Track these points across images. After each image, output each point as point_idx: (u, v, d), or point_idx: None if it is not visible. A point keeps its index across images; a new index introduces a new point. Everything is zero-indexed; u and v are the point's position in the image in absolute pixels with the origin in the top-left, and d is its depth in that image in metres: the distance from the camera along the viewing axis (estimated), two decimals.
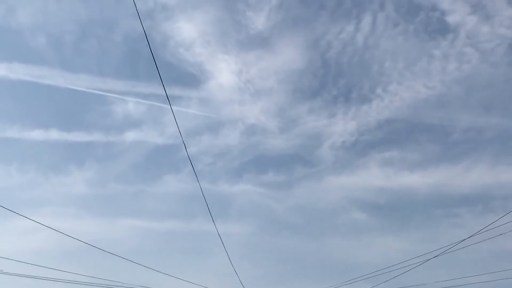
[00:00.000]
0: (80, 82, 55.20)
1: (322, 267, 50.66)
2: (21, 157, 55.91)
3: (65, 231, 26.92)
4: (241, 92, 58.20)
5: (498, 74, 54.94)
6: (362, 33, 55.55)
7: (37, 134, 55.25)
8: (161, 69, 19.33)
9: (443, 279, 35.27)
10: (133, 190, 56.32)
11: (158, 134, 57.90)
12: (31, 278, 30.13)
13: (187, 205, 55.36)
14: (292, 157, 59.01)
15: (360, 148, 58.13)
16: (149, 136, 57.80)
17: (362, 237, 54.30)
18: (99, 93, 55.59)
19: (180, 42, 56.04)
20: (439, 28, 55.16)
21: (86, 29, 57.44)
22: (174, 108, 21.86)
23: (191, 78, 57.64)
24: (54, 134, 55.41)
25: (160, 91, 19.53)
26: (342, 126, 57.52)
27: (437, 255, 31.18)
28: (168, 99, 20.84)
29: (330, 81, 58.70)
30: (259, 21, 56.04)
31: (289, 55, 58.68)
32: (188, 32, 56.45)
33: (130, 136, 57.16)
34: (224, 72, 57.72)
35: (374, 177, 56.14)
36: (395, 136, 58.54)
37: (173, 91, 50.61)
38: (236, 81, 57.64)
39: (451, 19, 53.98)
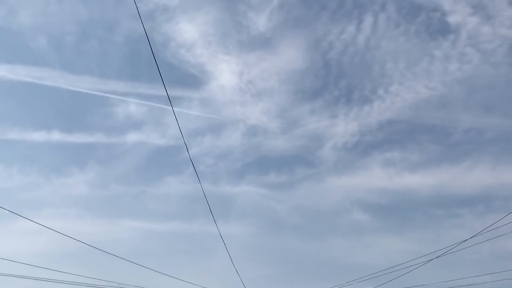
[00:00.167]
0: (81, 84, 55.38)
1: (323, 267, 50.71)
2: (22, 159, 56.09)
3: (66, 232, 26.95)
4: (242, 93, 58.30)
5: (499, 75, 55.02)
6: (363, 34, 55.66)
7: (39, 136, 55.41)
8: (162, 70, 19.35)
9: (445, 279, 35.27)
10: (135, 191, 56.45)
11: (160, 135, 58.03)
12: (32, 280, 30.17)
13: (188, 206, 55.47)
14: (294, 158, 59.14)
15: (361, 149, 58.22)
16: (151, 137, 57.92)
17: (364, 237, 54.37)
18: (100, 95, 55.73)
19: (181, 43, 56.18)
20: (440, 28, 55.25)
21: (87, 30, 57.62)
22: (175, 109, 21.90)
23: (192, 79, 57.79)
24: (56, 136, 55.56)
25: (161, 92, 19.58)
26: (343, 126, 57.63)
27: (438, 256, 31.18)
28: (169, 100, 20.88)
29: (332, 82, 58.81)
30: (260, 22, 56.15)
31: (290, 56, 58.80)
32: (189, 33, 56.58)
33: (132, 137, 57.29)
34: (225, 73, 57.83)
35: (375, 177, 56.22)
36: (397, 137, 58.63)
37: (174, 92, 50.72)
38: (238, 82, 57.73)
39: (452, 19, 54.06)
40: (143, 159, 58.41)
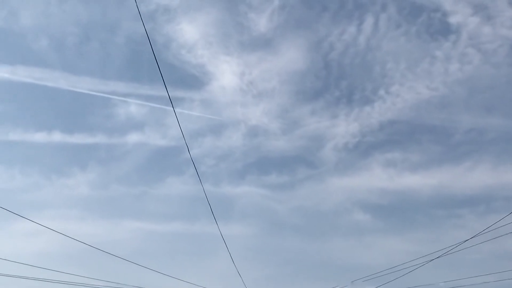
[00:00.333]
0: (83, 84, 55.45)
1: (325, 268, 50.73)
2: (24, 160, 56.16)
3: (68, 233, 26.99)
4: (243, 94, 58.33)
5: (500, 75, 55.01)
6: (364, 35, 55.68)
7: (40, 137, 55.48)
8: (163, 71, 19.40)
9: (446, 279, 35.28)
10: (136, 192, 56.48)
11: (161, 136, 58.08)
12: (34, 280, 30.20)
13: (190, 207, 55.52)
14: (295, 159, 59.16)
15: (362, 150, 58.24)
16: (152, 138, 57.97)
17: (365, 238, 54.37)
18: (101, 95, 55.79)
19: (182, 43, 56.23)
20: (441, 29, 55.29)
21: (88, 32, 57.72)
22: (176, 110, 21.94)
23: (193, 80, 57.83)
24: (57, 136, 55.62)
25: (162, 93, 19.60)
26: (344, 127, 57.65)
27: (439, 256, 31.19)
28: (171, 101, 20.91)
29: (333, 82, 58.85)
30: (261, 22, 56.19)
31: (291, 56, 58.84)
32: (190, 33, 56.64)
33: (133, 138, 57.33)
34: (226, 73, 57.88)
35: (376, 178, 56.23)
36: (398, 138, 58.64)
37: (175, 93, 50.76)
38: (238, 83, 57.77)
39: (453, 20, 54.08)
40: (144, 160, 58.53)
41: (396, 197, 55.27)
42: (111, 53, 58.50)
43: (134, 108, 58.02)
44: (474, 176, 53.62)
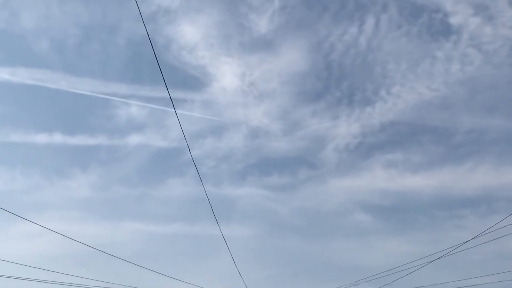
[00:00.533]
0: (84, 86, 55.50)
1: (326, 269, 50.73)
2: (25, 161, 56.24)
3: (69, 234, 27.00)
4: (244, 95, 58.37)
5: (501, 76, 55.01)
6: (365, 35, 55.72)
7: (41, 138, 55.54)
8: (164, 72, 19.38)
9: (447, 280, 35.25)
10: (137, 194, 56.55)
11: (162, 138, 58.11)
12: (35, 282, 30.21)
13: (191, 208, 55.55)
14: (296, 160, 59.21)
15: (363, 150, 58.26)
16: (153, 140, 58.02)
17: (366, 238, 54.39)
18: (103, 97, 55.85)
19: (183, 45, 56.28)
20: (442, 29, 55.32)
21: (89, 33, 57.77)
22: (177, 111, 21.95)
23: (194, 81, 57.91)
24: (58, 138, 55.68)
25: (163, 94, 19.59)
26: (345, 128, 57.67)
27: (441, 257, 31.17)
28: (172, 102, 20.91)
29: (334, 83, 58.89)
30: (262, 23, 56.22)
31: (292, 57, 58.87)
32: (191, 35, 56.69)
33: (134, 139, 57.42)
34: (227, 74, 57.94)
35: (377, 179, 56.23)
36: (399, 138, 58.68)
37: (176, 94, 50.81)
38: (239, 84, 57.82)
39: (454, 20, 54.10)
40: (145, 161, 58.59)
41: (397, 198, 55.33)
42: (111, 55, 58.65)
43: (135, 110, 58.14)
44: (475, 177, 53.67)
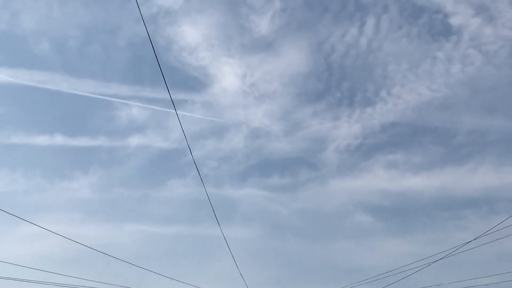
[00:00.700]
0: (84, 87, 55.50)
1: (327, 270, 50.65)
2: (26, 163, 56.16)
3: (70, 236, 27.01)
4: (245, 96, 58.36)
5: (502, 76, 54.94)
6: (365, 36, 55.70)
7: (42, 140, 55.50)
8: (165, 74, 19.37)
9: (449, 281, 35.23)
10: (138, 195, 56.46)
11: (163, 139, 58.07)
12: (36, 284, 30.21)
13: (192, 209, 55.46)
14: (297, 161, 59.13)
15: (364, 151, 58.18)
16: (154, 141, 57.96)
17: (367, 239, 54.31)
18: (103, 98, 55.83)
19: (184, 46, 56.26)
20: (443, 30, 55.28)
21: (90, 34, 57.76)
22: (178, 112, 21.95)
23: (195, 82, 57.89)
24: (59, 140, 55.64)
25: (164, 95, 19.57)
26: (346, 129, 57.62)
27: (442, 258, 31.15)
28: (173, 103, 20.92)
29: (334, 84, 58.86)
30: (262, 24, 56.22)
31: (293, 58, 58.87)
32: (192, 36, 56.68)
33: (135, 140, 57.35)
34: (228, 75, 57.91)
35: (378, 179, 56.17)
36: (400, 139, 58.60)
37: (177, 95, 50.77)
38: (240, 85, 57.81)
39: (454, 21, 54.07)
40: (146, 163, 58.52)
41: (399, 199, 55.28)
42: (112, 56, 58.65)
43: (136, 111, 58.11)
44: (477, 178, 53.59)
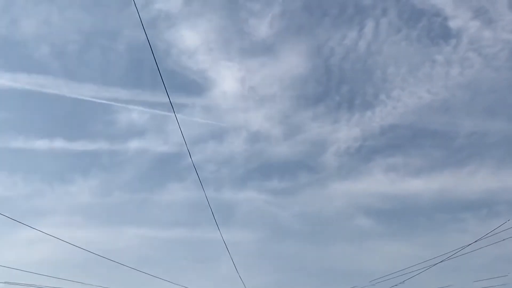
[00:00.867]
0: (84, 91, 55.57)
1: (327, 273, 50.63)
2: (26, 167, 56.27)
3: (70, 240, 27.01)
4: (244, 99, 58.45)
5: (501, 79, 55.05)
6: (365, 39, 55.80)
7: (42, 144, 55.57)
8: (165, 77, 19.39)
9: (449, 283, 35.23)
10: (138, 199, 56.51)
11: (162, 143, 58.14)
12: None
13: (192, 213, 55.44)
14: (297, 164, 59.17)
15: (364, 154, 58.24)
16: (153, 145, 58.03)
17: (367, 242, 54.28)
18: (103, 102, 55.89)
19: (184, 50, 56.38)
20: (442, 33, 55.42)
21: (90, 39, 57.92)
22: (178, 116, 21.98)
23: (195, 86, 58.02)
24: (59, 143, 55.70)
25: (164, 99, 19.56)
26: (346, 132, 57.67)
27: (442, 260, 31.15)
28: (172, 107, 20.94)
29: (334, 87, 58.96)
30: (262, 28, 56.37)
31: (292, 62, 58.96)
32: (191, 40, 56.80)
33: (134, 144, 57.39)
34: (228, 79, 58.02)
35: (378, 183, 56.18)
36: (399, 142, 58.67)
37: (176, 99, 50.73)
38: (240, 88, 57.93)
39: (453, 24, 54.22)
40: (146, 166, 58.55)
41: (398, 202, 55.29)
42: (112, 60, 58.73)
43: (135, 115, 58.17)
44: (476, 180, 53.62)
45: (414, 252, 49.76)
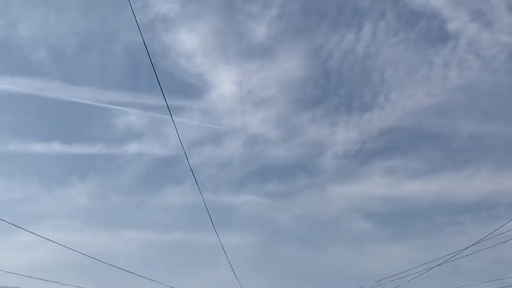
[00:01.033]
0: (82, 95, 55.47)
1: (325, 276, 50.50)
2: (23, 171, 56.06)
3: (68, 244, 26.94)
4: (242, 102, 58.37)
5: (499, 81, 55.04)
6: (363, 42, 55.80)
7: (39, 147, 55.43)
8: (162, 80, 19.33)
9: (448, 287, 35.16)
10: (136, 202, 56.38)
11: (160, 146, 58.00)
12: None
13: (190, 216, 55.28)
14: (295, 167, 59.04)
15: (362, 157, 58.13)
16: (151, 148, 57.91)
17: (366, 246, 54.21)
18: (101, 105, 55.79)
19: (181, 52, 56.27)
20: (440, 35, 55.40)
21: (87, 42, 57.76)
22: (176, 119, 21.90)
23: (193, 89, 57.90)
24: (56, 147, 55.57)
25: (162, 102, 19.46)
26: (344, 135, 57.60)
27: (441, 263, 31.08)
28: (169, 110, 20.87)
29: (332, 90, 58.92)
30: (260, 31, 56.30)
31: (290, 64, 58.89)
32: (189, 42, 56.73)
33: (132, 148, 57.26)
34: (225, 82, 57.93)
35: (377, 185, 56.10)
36: (398, 145, 58.62)
37: (174, 102, 50.68)
38: (238, 91, 57.83)
39: (451, 26, 54.16)
40: (143, 170, 58.39)
41: (397, 205, 55.20)
42: (109, 63, 58.65)
43: (133, 118, 58.03)
44: (475, 183, 53.56)
45: (413, 255, 49.72)
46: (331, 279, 49.73)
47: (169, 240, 53.43)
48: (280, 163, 58.81)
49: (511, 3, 52.58)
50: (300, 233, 55.95)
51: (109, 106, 56.13)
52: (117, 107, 56.37)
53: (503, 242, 27.61)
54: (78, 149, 56.00)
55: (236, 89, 57.71)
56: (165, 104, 20.33)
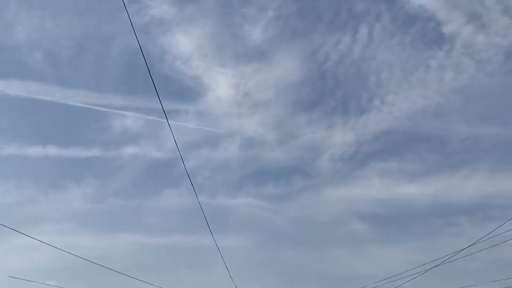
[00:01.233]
0: (78, 98, 55.36)
1: (322, 278, 50.53)
2: (19, 174, 55.88)
3: (64, 247, 26.86)
4: (239, 105, 58.40)
5: (495, 83, 55.25)
6: (359, 45, 55.96)
7: (35, 151, 55.28)
8: (158, 83, 19.32)
9: None
10: (132, 205, 56.28)
11: (156, 149, 57.96)
12: None
13: (186, 219, 55.25)
14: (291, 169, 59.05)
15: (359, 159, 58.22)
16: (147, 151, 57.83)
17: (362, 248, 54.26)
18: (97, 109, 55.72)
19: (177, 55, 56.30)
20: (435, 38, 55.61)
21: (83, 45, 57.71)
22: (172, 122, 21.90)
23: (189, 92, 57.92)
24: (52, 150, 55.45)
25: (158, 105, 19.45)
26: (340, 137, 57.70)
27: (437, 265, 31.16)
28: (165, 113, 20.87)
29: (328, 92, 59.01)
30: (256, 33, 56.39)
31: (286, 67, 58.98)
32: (185, 45, 56.75)
33: (128, 151, 57.17)
34: (222, 85, 57.95)
35: (373, 188, 56.20)
36: (394, 147, 58.71)
37: (170, 105, 50.71)
38: (234, 94, 57.87)
39: (447, 29, 54.36)
40: (140, 173, 58.34)
41: (393, 207, 55.30)
42: (106, 66, 58.59)
43: (129, 121, 58.00)
44: (471, 185, 53.73)
45: (409, 256, 49.79)
46: (328, 281, 49.80)
47: (166, 243, 53.45)
48: (277, 165, 58.92)
49: (506, 6, 52.88)
50: (296, 235, 56.05)
51: (105, 109, 56.14)
52: (113, 110, 56.38)
53: (499, 243, 27.71)
54: (74, 152, 55.97)
55: (233, 92, 57.81)
56: (161, 107, 20.35)
